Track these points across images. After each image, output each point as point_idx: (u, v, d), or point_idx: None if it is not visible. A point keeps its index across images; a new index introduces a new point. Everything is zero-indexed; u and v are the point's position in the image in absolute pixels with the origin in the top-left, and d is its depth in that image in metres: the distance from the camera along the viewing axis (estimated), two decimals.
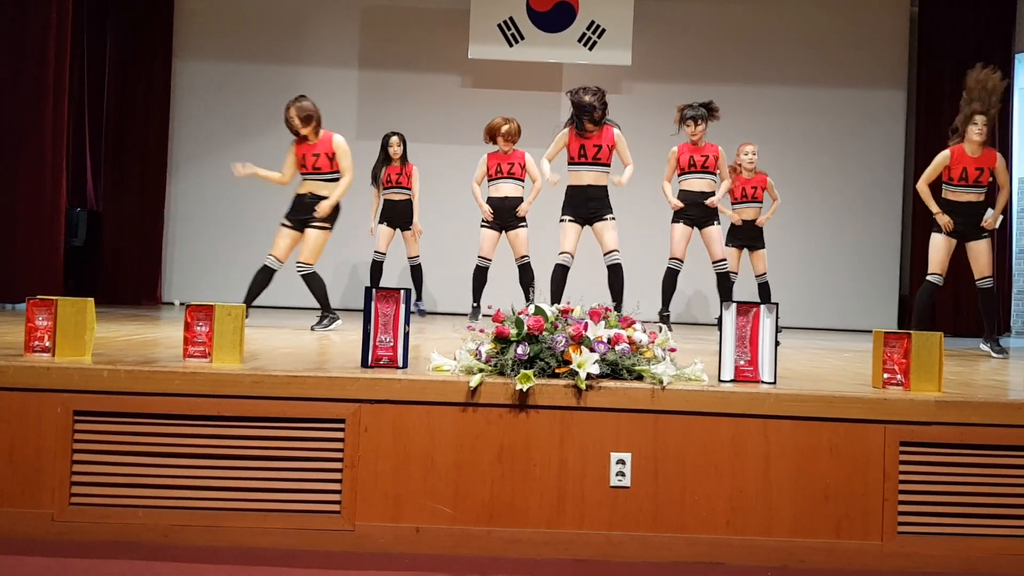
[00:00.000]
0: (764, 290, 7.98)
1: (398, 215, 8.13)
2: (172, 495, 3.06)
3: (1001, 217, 6.22)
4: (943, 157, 6.26)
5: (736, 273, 7.81)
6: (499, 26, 9.66)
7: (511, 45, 9.69)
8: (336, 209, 6.12)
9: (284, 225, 6.13)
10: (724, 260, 7.07)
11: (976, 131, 6.11)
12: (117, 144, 9.83)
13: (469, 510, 3.07)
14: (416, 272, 8.26)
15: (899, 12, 10.37)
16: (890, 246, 10.34)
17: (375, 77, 10.26)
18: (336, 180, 6.10)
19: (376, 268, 8.21)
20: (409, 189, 8.09)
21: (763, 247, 7.99)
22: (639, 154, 9.26)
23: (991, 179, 6.17)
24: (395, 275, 9.46)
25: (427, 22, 10.22)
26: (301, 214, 6.10)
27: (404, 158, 8.12)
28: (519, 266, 7.30)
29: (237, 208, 9.81)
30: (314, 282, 6.12)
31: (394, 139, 8.06)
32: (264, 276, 6.11)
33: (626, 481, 3.08)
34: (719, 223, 7.08)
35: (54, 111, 7.37)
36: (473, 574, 2.85)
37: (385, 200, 8.18)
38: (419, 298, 8.25)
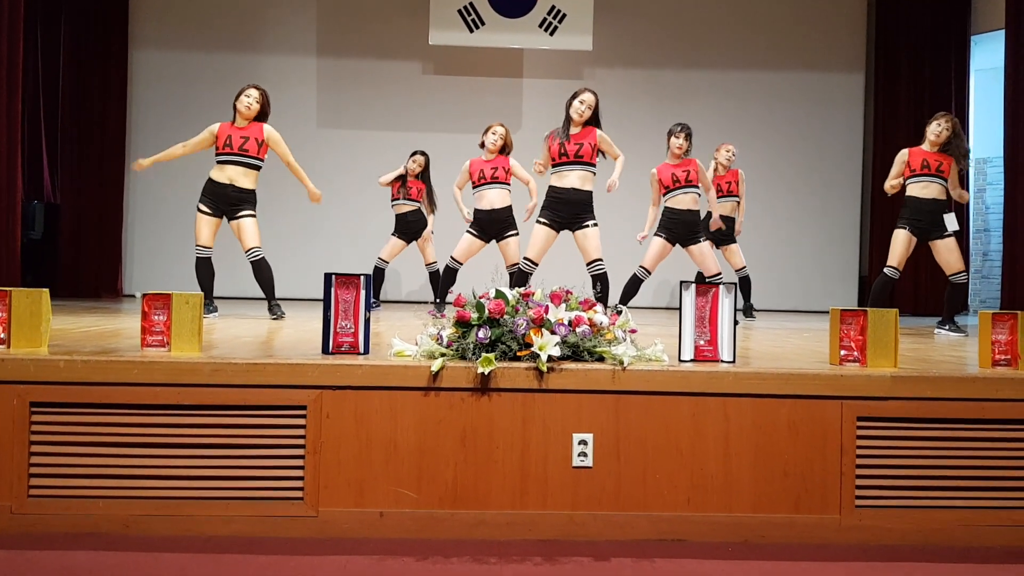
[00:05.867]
0: (744, 284, 8.02)
1: (407, 226, 8.07)
2: (133, 485, 3.03)
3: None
4: (902, 154, 6.42)
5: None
6: (459, 12, 9.63)
7: (472, 31, 9.66)
8: (256, 196, 6.18)
9: (204, 212, 6.12)
10: (719, 274, 6.78)
11: (934, 131, 6.29)
12: (74, 136, 9.69)
13: (433, 494, 3.08)
14: (434, 278, 8.13)
15: None
16: (850, 228, 10.46)
17: (334, 65, 10.20)
18: (258, 168, 6.15)
19: (378, 274, 8.13)
20: (419, 202, 8.01)
21: (734, 242, 8.05)
22: None
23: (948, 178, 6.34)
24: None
25: (386, 8, 10.18)
26: (223, 204, 6.11)
27: (421, 176, 8.04)
28: (510, 273, 6.88)
29: (197, 200, 9.71)
30: (266, 269, 6.12)
31: (417, 155, 7.99)
32: (206, 268, 6.14)
33: (588, 461, 3.10)
34: (705, 238, 6.87)
35: (8, 103, 7.25)
36: (438, 557, 2.86)
37: (396, 214, 8.09)
38: (436, 299, 7.98)
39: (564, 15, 9.69)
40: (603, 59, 10.20)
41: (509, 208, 6.96)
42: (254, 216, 6.15)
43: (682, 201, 6.77)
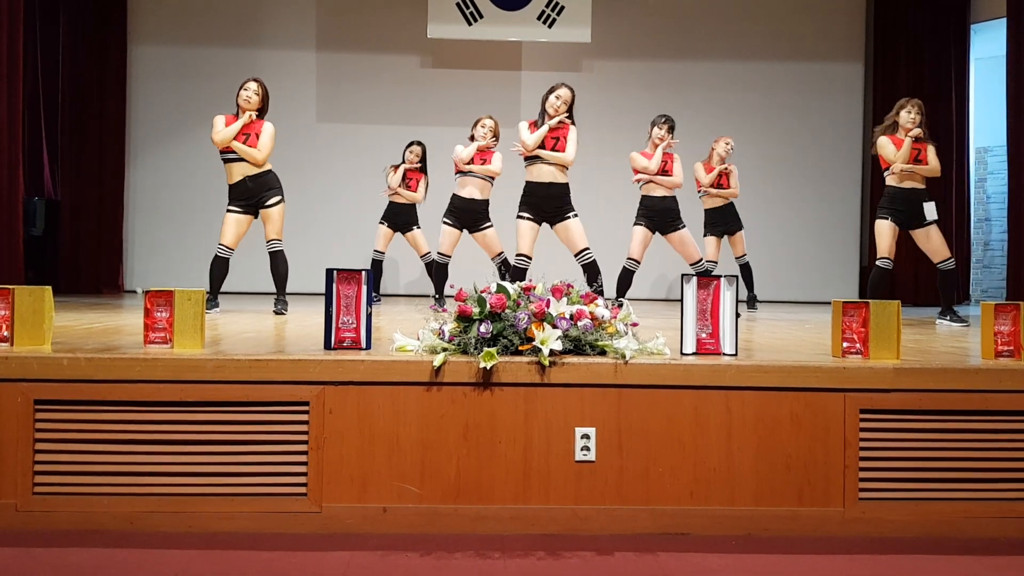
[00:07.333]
0: (745, 271, 8.01)
1: (398, 216, 8.09)
2: (137, 482, 3.04)
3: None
4: (886, 141, 6.29)
5: (715, 263, 7.80)
6: (457, 5, 9.60)
7: (470, 24, 9.65)
8: (278, 179, 6.15)
9: (233, 211, 6.08)
10: (701, 260, 6.88)
11: (909, 118, 6.24)
12: (74, 132, 9.67)
13: (436, 488, 3.08)
14: (430, 269, 8.12)
15: None
16: (850, 218, 10.45)
17: (333, 58, 10.18)
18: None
19: (376, 267, 8.14)
20: (414, 193, 8.03)
21: (740, 228, 8.02)
22: (599, 131, 9.36)
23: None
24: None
25: (384, 1, 10.14)
26: (250, 199, 6.07)
27: (420, 166, 8.08)
28: (497, 264, 6.97)
29: (198, 194, 9.71)
30: (283, 263, 6.11)
31: (414, 146, 8.06)
32: (221, 267, 6.11)
33: (591, 455, 3.10)
34: (684, 226, 6.92)
35: (8, 99, 7.23)
36: (441, 552, 2.86)
37: (390, 201, 8.13)
38: (436, 295, 7.90)
39: (562, 7, 9.67)
40: (602, 51, 10.17)
41: (487, 202, 7.07)
42: (282, 202, 6.12)
43: (659, 189, 6.86)
